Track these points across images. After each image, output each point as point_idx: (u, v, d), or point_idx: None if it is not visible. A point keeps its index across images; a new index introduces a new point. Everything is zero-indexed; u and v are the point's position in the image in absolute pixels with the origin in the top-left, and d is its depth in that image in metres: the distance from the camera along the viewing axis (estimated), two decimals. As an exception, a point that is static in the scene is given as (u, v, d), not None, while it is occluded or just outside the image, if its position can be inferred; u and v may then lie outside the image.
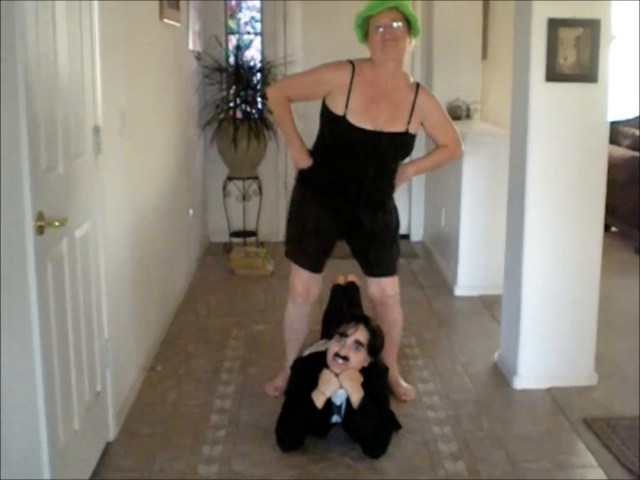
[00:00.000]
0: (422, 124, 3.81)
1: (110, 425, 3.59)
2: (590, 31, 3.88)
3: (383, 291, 4.00)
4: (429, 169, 4.22)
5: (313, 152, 3.88)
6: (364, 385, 3.54)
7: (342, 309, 4.41)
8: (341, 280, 4.59)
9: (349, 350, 3.56)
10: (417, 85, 3.81)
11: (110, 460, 3.46)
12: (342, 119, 3.67)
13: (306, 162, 3.85)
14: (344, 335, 3.59)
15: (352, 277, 4.59)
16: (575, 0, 3.87)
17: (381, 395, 3.62)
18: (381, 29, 3.61)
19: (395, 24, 3.60)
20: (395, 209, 3.99)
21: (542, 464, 3.47)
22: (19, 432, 2.58)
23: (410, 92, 3.76)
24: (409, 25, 3.66)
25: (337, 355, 3.56)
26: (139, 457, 3.49)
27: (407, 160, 3.93)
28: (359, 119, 3.66)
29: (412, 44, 3.76)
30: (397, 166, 3.89)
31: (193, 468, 3.41)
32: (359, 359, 3.58)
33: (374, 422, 3.50)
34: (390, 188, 3.91)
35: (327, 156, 3.82)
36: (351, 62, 3.74)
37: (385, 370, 3.81)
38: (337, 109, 3.68)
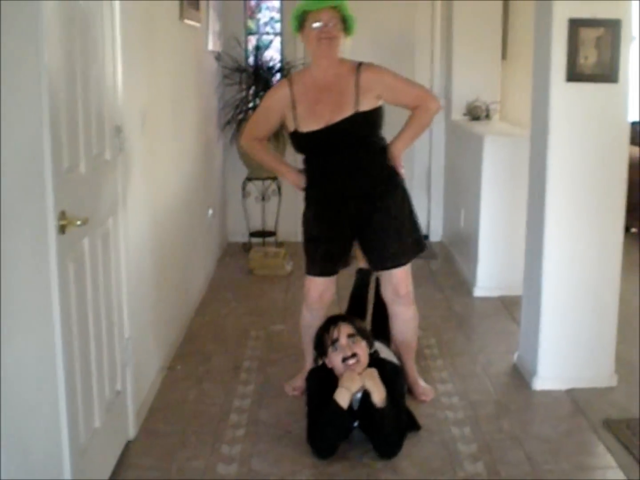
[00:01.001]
0: (382, 99, 3.80)
1: (130, 423, 3.60)
2: (611, 31, 3.87)
3: (395, 291, 3.99)
4: (413, 137, 3.97)
5: (305, 169, 3.99)
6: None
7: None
8: (363, 264, 4.40)
9: (350, 347, 3.60)
10: (359, 65, 3.81)
11: (130, 458, 3.48)
12: (296, 132, 3.81)
13: (302, 182, 3.99)
14: (335, 341, 3.63)
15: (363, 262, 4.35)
16: (596, 0, 3.86)
17: (398, 394, 3.63)
18: (318, 26, 3.69)
19: (331, 24, 3.69)
20: (404, 196, 3.94)
21: (561, 465, 3.45)
22: (40, 430, 2.59)
23: (351, 75, 3.78)
24: (345, 24, 3.74)
25: (345, 359, 3.58)
26: (158, 456, 3.50)
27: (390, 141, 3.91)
28: (308, 124, 3.76)
29: (348, 43, 3.82)
30: (376, 146, 3.86)
31: (212, 467, 3.42)
32: (362, 348, 3.64)
33: (392, 423, 3.50)
34: (385, 172, 3.88)
35: (311, 167, 3.93)
36: (287, 79, 3.92)
37: (399, 367, 3.82)
38: (290, 125, 3.84)
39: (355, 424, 3.61)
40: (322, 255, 3.95)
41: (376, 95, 3.77)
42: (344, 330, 3.64)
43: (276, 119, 3.92)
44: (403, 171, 3.94)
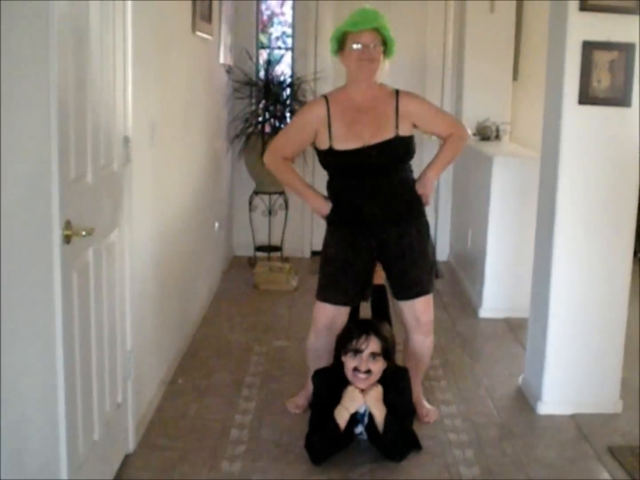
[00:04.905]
0: (415, 126, 3.80)
1: (130, 437, 3.57)
2: (625, 55, 3.84)
3: (417, 319, 3.94)
4: (446, 164, 4.00)
5: (328, 192, 3.89)
6: (387, 392, 3.59)
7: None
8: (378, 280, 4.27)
9: (368, 363, 3.58)
10: (397, 91, 3.81)
11: (128, 472, 3.44)
12: (330, 150, 3.72)
13: (327, 209, 3.85)
14: (358, 351, 3.60)
15: (379, 279, 4.24)
16: (610, 23, 3.83)
17: (406, 398, 3.69)
18: (359, 48, 3.66)
19: (373, 45, 3.65)
20: (426, 224, 3.94)
21: (565, 492, 3.42)
22: (38, 442, 2.57)
23: (390, 99, 3.77)
24: (385, 46, 3.71)
25: (356, 369, 3.58)
26: (157, 471, 3.47)
27: (417, 175, 3.90)
28: (344, 143, 3.69)
29: (386, 66, 3.79)
30: (407, 174, 3.85)
31: (212, 483, 3.39)
32: (379, 368, 3.62)
33: (396, 439, 3.55)
34: (412, 199, 3.86)
35: (339, 190, 3.83)
36: (324, 97, 3.82)
37: (404, 372, 3.79)
38: (323, 144, 3.74)
39: (358, 430, 3.65)
40: (337, 281, 3.87)
41: (412, 122, 3.77)
42: (371, 346, 3.60)
43: (309, 137, 3.81)
44: (430, 200, 3.92)
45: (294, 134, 3.93)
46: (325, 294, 3.91)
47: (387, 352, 3.66)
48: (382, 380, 3.63)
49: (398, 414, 3.61)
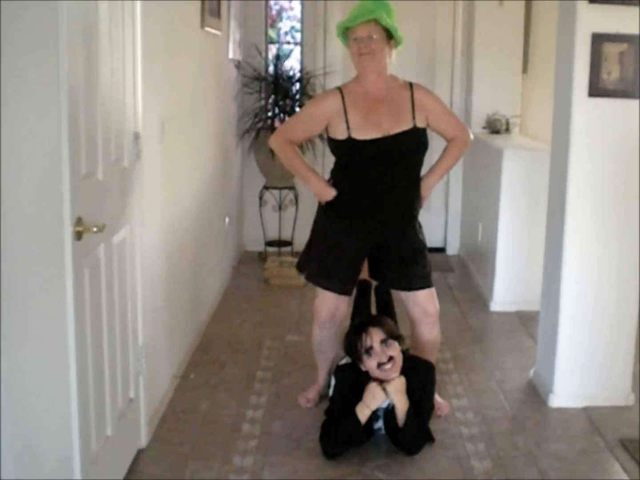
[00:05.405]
0: (427, 121, 3.79)
1: (142, 432, 3.58)
2: (634, 47, 3.83)
3: (424, 309, 3.93)
4: (448, 167, 4.01)
5: (334, 179, 3.87)
6: (410, 385, 3.59)
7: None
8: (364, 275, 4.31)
9: (384, 352, 3.60)
10: (411, 83, 3.81)
11: (141, 467, 3.46)
12: (349, 140, 3.69)
13: (330, 195, 3.82)
14: (369, 349, 3.62)
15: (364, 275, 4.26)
16: (619, 15, 3.82)
17: (428, 393, 3.72)
18: (356, 42, 3.65)
19: (375, 36, 3.63)
20: (419, 224, 3.95)
21: (577, 485, 3.42)
22: (51, 437, 2.58)
23: (405, 90, 3.77)
24: (390, 34, 3.67)
25: (380, 365, 3.58)
26: (169, 465, 3.48)
27: (425, 173, 3.90)
28: (364, 132, 3.67)
29: (393, 56, 3.76)
30: (418, 171, 3.85)
31: (223, 478, 3.39)
32: (396, 349, 3.63)
33: (416, 433, 3.57)
34: (417, 200, 3.87)
35: (350, 179, 3.80)
36: (338, 88, 3.80)
37: (431, 364, 3.82)
38: (340, 134, 3.71)
39: (378, 425, 3.66)
40: (345, 273, 3.87)
41: (425, 115, 3.76)
42: (375, 337, 3.63)
43: (320, 126, 3.82)
44: (424, 203, 3.93)
45: (305, 121, 3.92)
46: (327, 282, 3.90)
47: (392, 334, 3.68)
48: (406, 373, 3.62)
49: (419, 409, 3.61)
